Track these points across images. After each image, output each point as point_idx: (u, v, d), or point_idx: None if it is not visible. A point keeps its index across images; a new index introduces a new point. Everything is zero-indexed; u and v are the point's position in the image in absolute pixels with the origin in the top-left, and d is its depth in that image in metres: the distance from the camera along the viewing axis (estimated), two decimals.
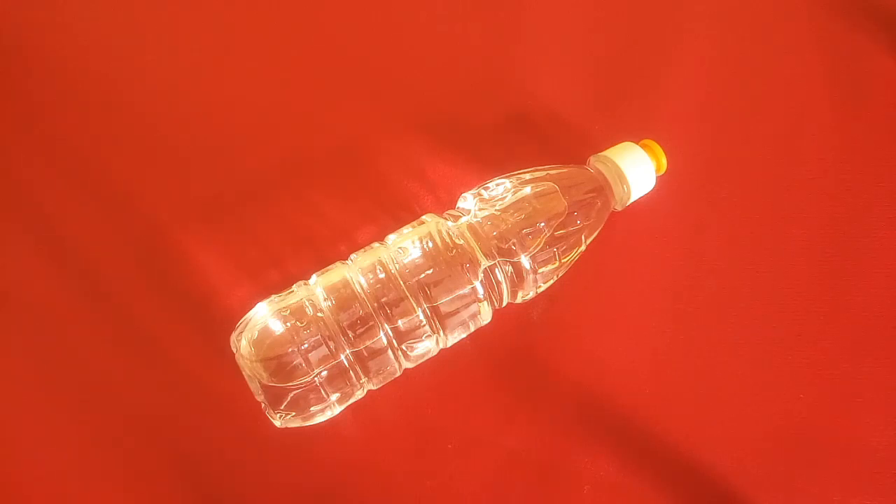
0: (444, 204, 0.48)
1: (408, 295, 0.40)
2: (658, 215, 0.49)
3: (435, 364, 0.44)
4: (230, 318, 0.42)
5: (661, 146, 0.46)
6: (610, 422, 0.45)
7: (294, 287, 0.41)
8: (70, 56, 0.52)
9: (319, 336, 0.38)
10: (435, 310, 0.40)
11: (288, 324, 0.39)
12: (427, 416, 0.45)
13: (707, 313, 0.48)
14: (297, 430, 0.41)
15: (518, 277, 0.42)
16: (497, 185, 0.44)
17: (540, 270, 0.42)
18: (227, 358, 0.40)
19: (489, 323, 0.44)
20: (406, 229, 0.43)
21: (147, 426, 0.43)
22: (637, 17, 0.55)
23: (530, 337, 0.46)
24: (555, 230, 0.42)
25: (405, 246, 0.41)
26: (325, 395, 0.39)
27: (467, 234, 0.41)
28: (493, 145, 0.50)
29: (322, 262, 0.43)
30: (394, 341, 0.40)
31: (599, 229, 0.45)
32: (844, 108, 0.53)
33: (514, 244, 0.41)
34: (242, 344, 0.39)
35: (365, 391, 0.42)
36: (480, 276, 0.41)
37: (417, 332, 0.40)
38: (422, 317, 0.40)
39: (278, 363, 0.38)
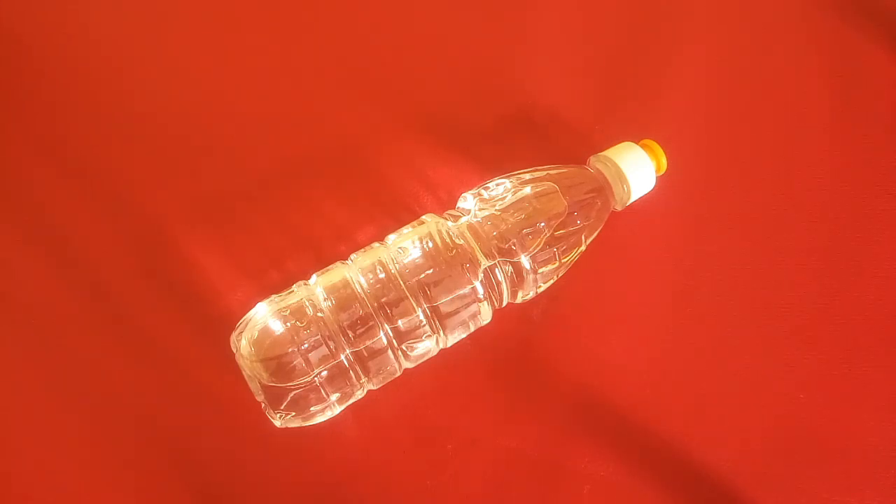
0: (444, 204, 0.48)
1: (408, 295, 0.40)
2: (658, 215, 0.49)
3: (435, 364, 0.44)
4: (230, 318, 0.42)
5: (661, 146, 0.46)
6: (610, 422, 0.45)
7: (294, 287, 0.41)
8: (70, 56, 0.52)
9: (319, 336, 0.38)
10: (435, 310, 0.40)
11: (288, 324, 0.39)
12: (427, 416, 0.45)
13: (707, 313, 0.48)
14: (297, 430, 0.41)
15: (518, 277, 0.42)
16: (497, 185, 0.44)
17: (540, 270, 0.42)
18: (227, 358, 0.40)
19: (489, 323, 0.44)
20: (406, 229, 0.43)
21: (147, 426, 0.43)
22: (637, 17, 0.55)
23: (530, 337, 0.46)
24: (555, 230, 0.42)
25: (405, 246, 0.41)
26: (325, 395, 0.39)
27: (467, 234, 0.41)
28: (493, 145, 0.50)
29: (322, 262, 0.43)
30: (394, 341, 0.40)
31: (599, 229, 0.45)
32: (844, 107, 0.53)
33: (514, 244, 0.41)
34: (242, 344, 0.39)
35: (365, 391, 0.42)
36: (480, 276, 0.41)
37: (417, 332, 0.40)
38: (422, 317, 0.40)
39: (278, 363, 0.38)
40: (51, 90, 0.51)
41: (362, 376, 0.40)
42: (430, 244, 0.41)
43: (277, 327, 0.39)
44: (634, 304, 0.48)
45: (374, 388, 0.42)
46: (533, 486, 0.44)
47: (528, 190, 0.43)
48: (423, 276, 0.40)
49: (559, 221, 0.42)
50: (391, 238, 0.43)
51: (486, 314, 0.42)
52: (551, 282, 0.44)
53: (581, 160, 0.47)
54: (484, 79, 0.53)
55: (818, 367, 0.47)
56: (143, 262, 0.47)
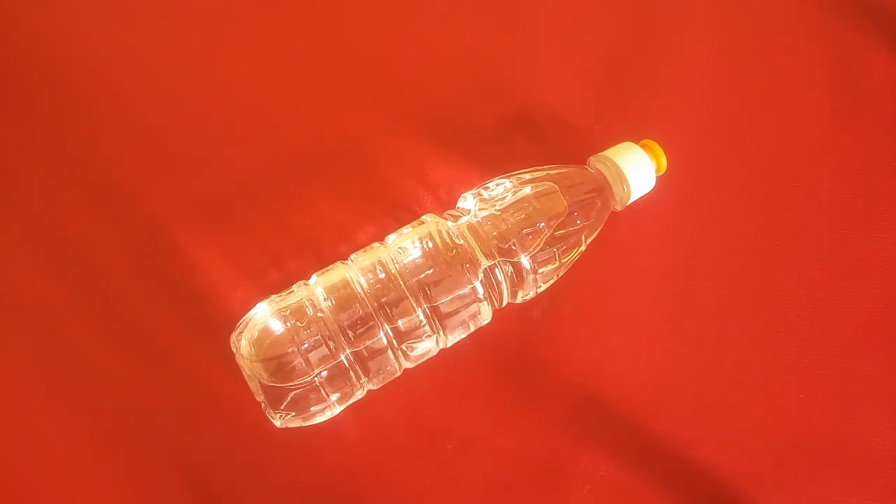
0: (444, 204, 0.48)
1: (408, 295, 0.40)
2: (658, 215, 0.49)
3: (435, 364, 0.44)
4: (230, 318, 0.42)
5: (661, 146, 0.46)
6: (610, 422, 0.45)
7: (294, 287, 0.41)
8: (70, 56, 0.52)
9: (319, 336, 0.38)
10: (435, 310, 0.40)
11: (288, 324, 0.39)
12: (427, 416, 0.45)
13: (707, 313, 0.48)
14: (298, 430, 0.41)
15: (518, 277, 0.42)
16: (497, 185, 0.44)
17: (540, 270, 0.42)
18: (227, 358, 0.40)
19: (489, 323, 0.44)
20: (406, 229, 0.43)
21: (147, 426, 0.43)
22: (637, 17, 0.55)
23: (530, 337, 0.46)
24: (555, 230, 0.42)
25: (405, 246, 0.41)
26: (325, 395, 0.39)
27: (467, 234, 0.41)
28: (493, 145, 0.50)
29: (322, 262, 0.43)
30: (394, 341, 0.40)
31: (599, 229, 0.45)
32: (844, 108, 0.53)
33: (514, 244, 0.41)
34: (242, 344, 0.39)
35: (365, 391, 0.42)
36: (480, 276, 0.41)
37: (417, 332, 0.40)
38: (422, 317, 0.40)
39: (278, 363, 0.38)
40: (50, 90, 0.51)
41: (362, 376, 0.40)
42: (430, 244, 0.41)
43: (277, 327, 0.39)
44: (634, 304, 0.48)
45: (374, 388, 0.42)
46: (533, 486, 0.44)
47: (528, 190, 0.43)
48: (423, 276, 0.40)
49: (559, 221, 0.42)
50: (391, 238, 0.43)
51: (486, 314, 0.42)
52: (551, 282, 0.44)
53: (581, 160, 0.47)
54: (484, 79, 0.53)
55: (818, 367, 0.47)
56: (144, 262, 0.47)
